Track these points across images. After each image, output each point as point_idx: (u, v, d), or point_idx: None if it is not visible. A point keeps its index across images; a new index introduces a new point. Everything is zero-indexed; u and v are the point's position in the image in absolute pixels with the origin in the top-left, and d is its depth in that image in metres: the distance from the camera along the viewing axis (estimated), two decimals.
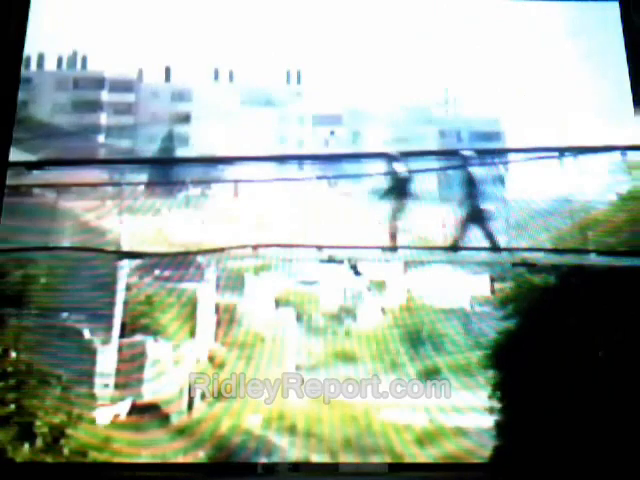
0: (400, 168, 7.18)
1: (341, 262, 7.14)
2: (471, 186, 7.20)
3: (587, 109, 7.26)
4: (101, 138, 8.16)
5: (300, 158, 7.61)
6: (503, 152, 7.79)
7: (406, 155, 7.28)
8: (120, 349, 6.67)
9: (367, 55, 7.83)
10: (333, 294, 7.34)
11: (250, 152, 7.65)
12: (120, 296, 6.83)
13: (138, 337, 6.76)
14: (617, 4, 7.14)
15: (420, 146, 8.05)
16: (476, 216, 7.16)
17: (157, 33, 7.88)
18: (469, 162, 7.24)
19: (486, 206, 7.20)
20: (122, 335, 6.72)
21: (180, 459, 5.99)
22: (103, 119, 8.45)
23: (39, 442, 5.93)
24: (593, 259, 6.77)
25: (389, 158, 7.28)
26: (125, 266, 6.94)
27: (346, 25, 7.78)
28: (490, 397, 6.33)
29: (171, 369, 6.65)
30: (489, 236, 7.06)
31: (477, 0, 7.83)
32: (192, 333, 6.97)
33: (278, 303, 7.29)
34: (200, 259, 7.13)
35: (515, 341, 6.44)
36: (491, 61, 7.69)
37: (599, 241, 6.84)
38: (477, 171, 7.20)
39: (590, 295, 6.36)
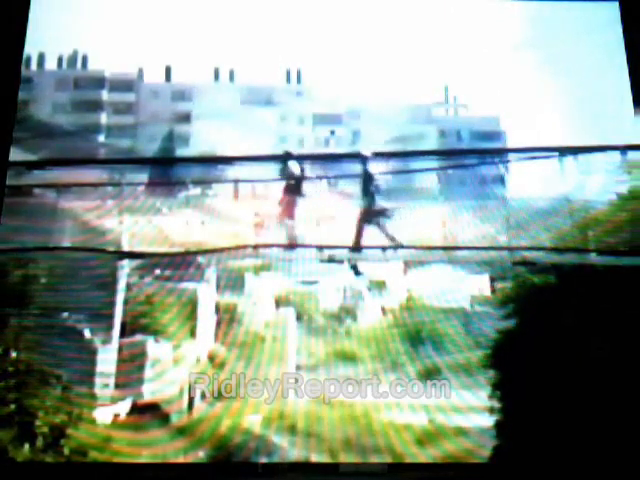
0: (295, 168, 7.17)
1: (341, 262, 7.14)
2: (369, 186, 7.17)
3: (587, 109, 7.26)
4: (101, 138, 8.16)
5: (300, 158, 7.60)
6: (503, 152, 7.79)
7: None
8: (120, 349, 6.68)
9: (367, 55, 7.82)
10: (333, 294, 7.34)
11: (250, 152, 7.64)
12: (120, 296, 6.84)
13: (138, 337, 6.77)
14: (617, 4, 7.14)
15: (419, 146, 8.07)
16: (373, 215, 7.14)
17: (157, 33, 7.88)
18: (367, 162, 7.21)
19: (384, 205, 7.18)
20: (122, 335, 6.73)
21: (180, 459, 5.99)
22: (103, 119, 8.46)
23: (39, 442, 5.93)
24: (593, 258, 6.76)
25: (285, 159, 7.27)
26: (125, 266, 6.94)
27: (346, 25, 7.78)
28: (490, 397, 6.32)
29: (171, 369, 6.65)
30: (388, 235, 7.06)
31: (477, 0, 7.82)
32: (192, 333, 6.97)
33: (278, 303, 7.29)
34: (200, 259, 7.14)
35: (515, 341, 6.43)
36: (491, 61, 7.68)
37: (599, 240, 6.83)
38: (375, 170, 7.18)
39: (590, 294, 6.35)
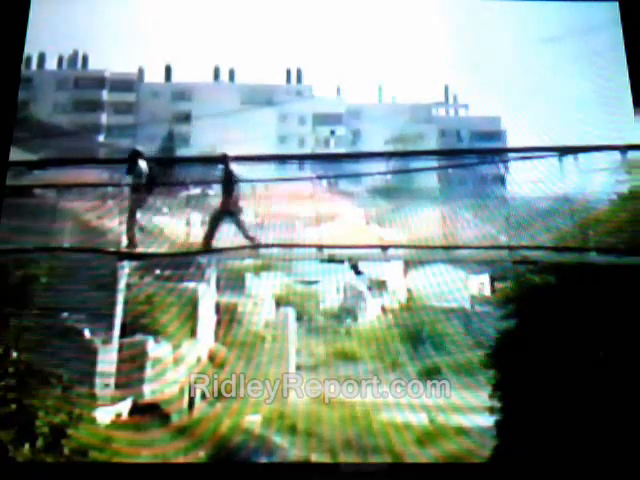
0: (144, 166, 7.14)
1: (341, 262, 7.14)
2: (229, 185, 7.17)
3: (587, 109, 7.26)
4: (101, 138, 8.17)
5: (300, 158, 7.61)
6: (503, 152, 7.79)
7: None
8: (120, 349, 6.68)
9: (367, 55, 7.83)
10: (333, 294, 7.35)
11: (250, 152, 7.64)
12: (120, 296, 6.84)
13: (138, 337, 6.78)
14: (617, 4, 7.13)
15: (419, 146, 8.08)
16: (231, 214, 7.13)
17: (158, 33, 7.88)
18: (228, 163, 7.20)
19: (240, 203, 7.19)
20: (122, 335, 6.74)
21: (180, 459, 6.00)
22: (103, 119, 8.47)
23: (40, 442, 5.93)
24: (594, 258, 6.76)
25: (133, 158, 7.23)
26: (125, 266, 6.95)
27: (346, 25, 7.78)
28: (491, 397, 6.32)
29: (171, 369, 6.66)
30: (242, 230, 7.06)
31: (477, 0, 7.82)
32: (192, 333, 6.98)
33: (279, 303, 7.29)
34: (200, 259, 7.14)
35: (515, 341, 6.43)
36: (491, 61, 7.69)
37: (600, 240, 6.83)
38: (236, 170, 7.19)
39: (590, 294, 6.35)
